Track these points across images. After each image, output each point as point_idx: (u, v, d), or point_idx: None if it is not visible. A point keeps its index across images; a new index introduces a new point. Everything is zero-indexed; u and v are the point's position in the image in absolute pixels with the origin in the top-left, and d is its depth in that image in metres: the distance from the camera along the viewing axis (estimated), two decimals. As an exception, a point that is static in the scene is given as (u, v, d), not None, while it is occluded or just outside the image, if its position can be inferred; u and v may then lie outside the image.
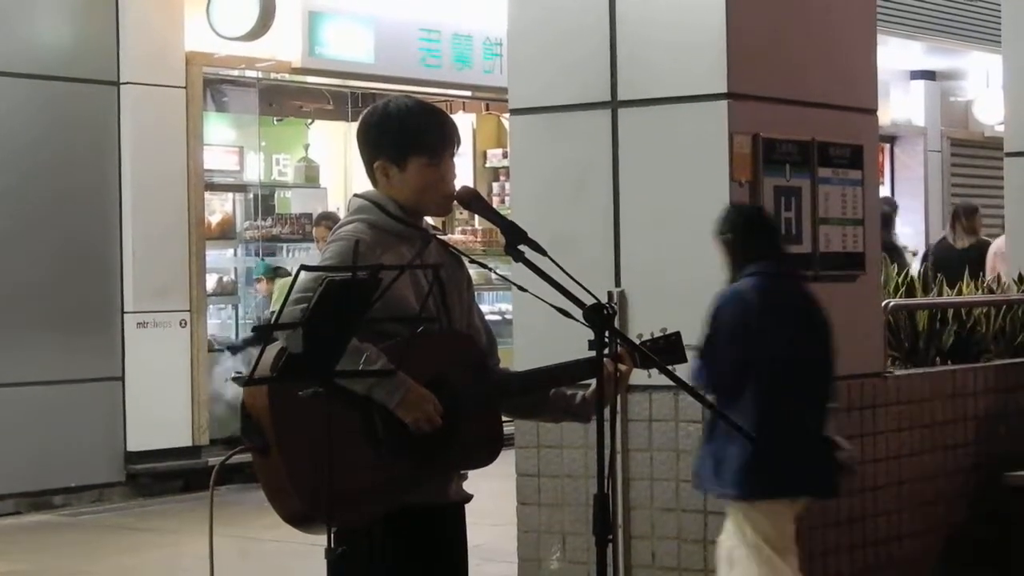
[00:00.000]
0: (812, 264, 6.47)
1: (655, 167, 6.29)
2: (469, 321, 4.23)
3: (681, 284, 6.15)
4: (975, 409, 7.61)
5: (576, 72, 6.48)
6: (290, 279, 4.00)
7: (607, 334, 3.93)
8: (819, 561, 6.51)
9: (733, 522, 5.61)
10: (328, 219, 12.75)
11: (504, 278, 4.62)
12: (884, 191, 17.89)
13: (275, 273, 13.25)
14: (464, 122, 15.13)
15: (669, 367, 4.13)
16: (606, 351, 3.96)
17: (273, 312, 11.88)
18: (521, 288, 4.08)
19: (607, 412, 3.99)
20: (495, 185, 15.90)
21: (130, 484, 11.41)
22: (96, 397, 11.27)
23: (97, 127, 11.38)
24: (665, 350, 4.22)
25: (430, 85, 13.53)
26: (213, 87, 13.00)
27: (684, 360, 4.27)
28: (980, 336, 8.07)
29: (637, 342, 4.18)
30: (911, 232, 18.46)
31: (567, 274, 4.10)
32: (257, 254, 13.83)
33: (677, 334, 4.26)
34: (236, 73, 12.95)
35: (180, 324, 11.67)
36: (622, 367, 4.10)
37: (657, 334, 4.25)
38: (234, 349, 12.13)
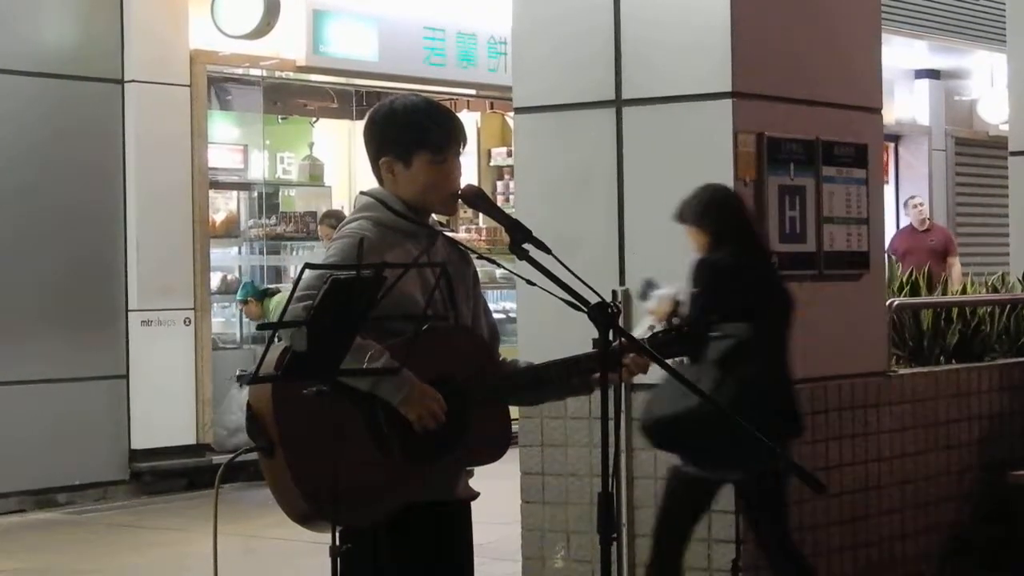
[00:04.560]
0: (816, 263, 6.48)
1: (660, 166, 6.29)
2: (476, 318, 4.24)
3: (686, 282, 6.14)
4: (979, 408, 7.61)
5: (581, 71, 6.48)
6: (283, 296, 4.00)
7: (612, 332, 3.94)
8: (822, 560, 6.51)
9: None
10: (332, 217, 12.76)
11: (512, 272, 4.63)
12: (888, 190, 17.89)
13: (264, 294, 13.14)
14: (468, 120, 15.12)
15: (681, 359, 4.14)
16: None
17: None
18: (529, 282, 4.08)
19: (611, 411, 3.99)
20: (499, 184, 15.90)
21: (134, 482, 11.42)
22: (100, 395, 11.28)
23: (101, 125, 11.38)
24: (677, 341, 4.22)
25: (434, 83, 13.54)
26: (217, 85, 13.01)
27: (696, 352, 4.27)
28: (984, 335, 8.07)
29: (648, 334, 4.19)
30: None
31: (572, 272, 4.11)
32: (261, 252, 13.83)
33: (689, 325, 4.26)
34: (240, 71, 12.95)
35: (184, 322, 11.68)
36: (628, 358, 4.11)
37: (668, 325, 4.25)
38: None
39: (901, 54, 17.04)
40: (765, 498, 5.81)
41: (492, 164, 16.09)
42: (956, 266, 14.66)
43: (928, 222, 15.58)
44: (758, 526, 5.89)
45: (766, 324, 5.62)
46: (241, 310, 13.22)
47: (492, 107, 15.72)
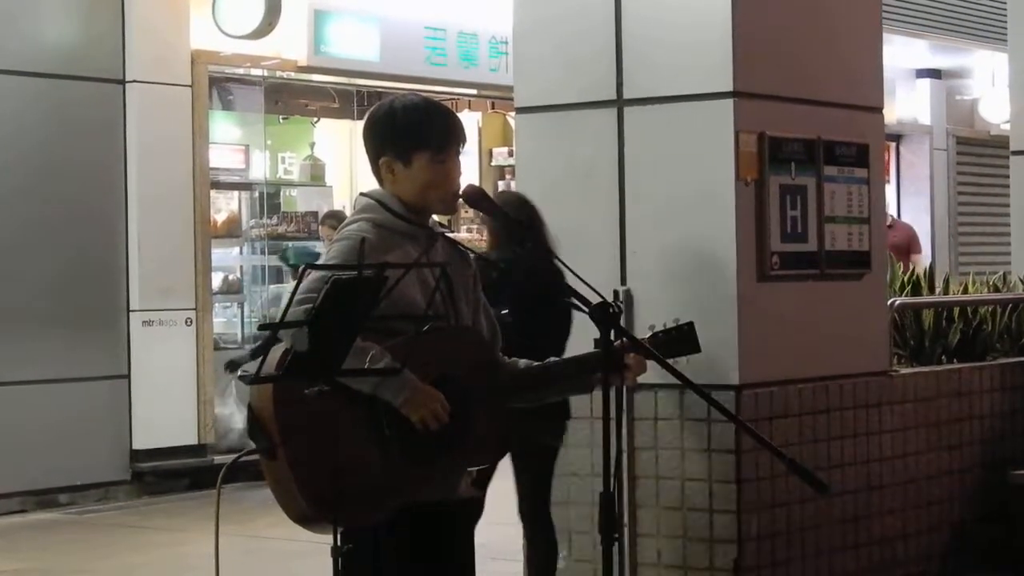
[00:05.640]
0: (818, 262, 6.47)
1: (661, 166, 6.29)
2: (476, 318, 4.24)
3: (687, 282, 6.15)
4: (981, 408, 7.61)
5: (582, 71, 6.47)
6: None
7: (613, 332, 3.95)
8: (824, 559, 6.51)
9: None
10: (333, 218, 12.76)
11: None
12: (890, 190, 17.89)
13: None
14: (470, 120, 15.13)
15: (682, 358, 4.15)
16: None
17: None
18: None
19: (613, 411, 3.99)
20: (501, 184, 15.91)
21: (136, 482, 11.42)
22: (102, 395, 11.28)
23: (103, 126, 11.38)
24: (677, 340, 4.23)
25: (436, 83, 13.54)
26: (219, 85, 13.01)
27: (698, 350, 4.27)
28: (986, 335, 8.07)
29: (649, 333, 4.19)
30: (918, 231, 18.46)
31: (573, 272, 4.11)
32: (263, 252, 13.83)
33: (690, 324, 4.26)
34: (242, 71, 12.95)
35: (186, 323, 11.68)
36: (629, 358, 4.11)
37: (670, 324, 4.26)
38: (234, 365, 12.00)
39: (902, 53, 17.04)
40: (543, 467, 6.35)
41: (493, 164, 16.11)
42: (919, 264, 14.59)
43: (891, 218, 15.55)
44: (529, 491, 6.39)
45: (527, 311, 5.82)
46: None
47: (493, 107, 15.72)
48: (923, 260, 14.81)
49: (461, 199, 4.21)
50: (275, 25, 11.99)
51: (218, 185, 13.01)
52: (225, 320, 13.46)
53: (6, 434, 10.74)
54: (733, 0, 6.12)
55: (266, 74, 13.14)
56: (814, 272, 6.47)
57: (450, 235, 4.33)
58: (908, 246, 15.01)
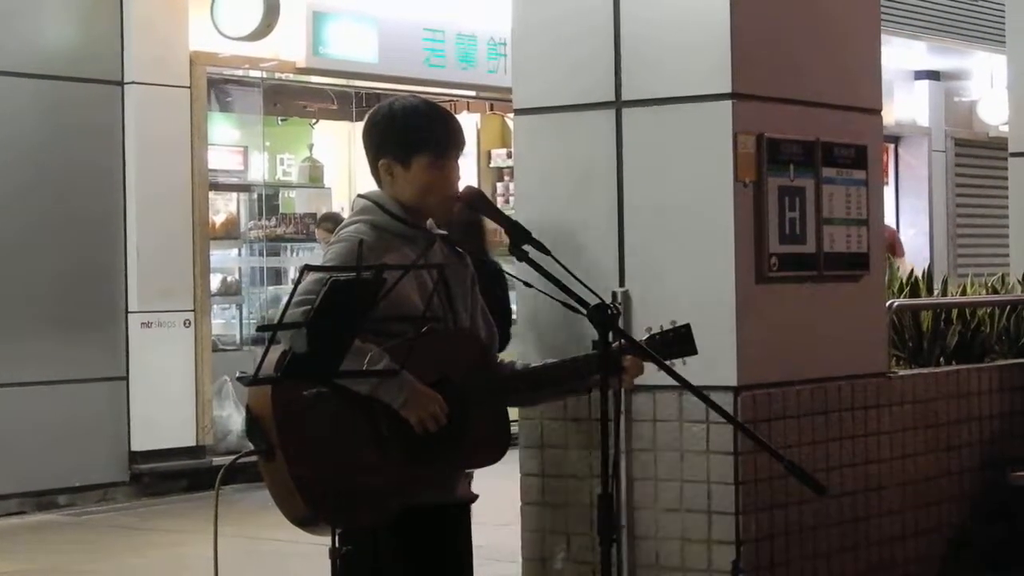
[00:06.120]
0: (816, 264, 6.47)
1: (659, 167, 6.28)
2: (474, 319, 4.24)
3: (685, 284, 6.14)
4: (980, 409, 7.61)
5: (580, 72, 6.47)
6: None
7: (611, 334, 3.95)
8: (822, 561, 6.51)
9: None
10: (330, 220, 12.77)
11: (511, 275, 4.64)
12: (888, 191, 17.89)
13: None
14: (468, 122, 15.13)
15: (680, 359, 4.15)
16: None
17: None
18: (527, 284, 4.09)
19: (611, 412, 3.99)
20: (499, 185, 15.91)
21: (134, 484, 11.43)
22: (100, 397, 11.28)
23: (101, 127, 11.39)
24: (674, 342, 4.23)
25: (434, 85, 13.54)
26: (217, 87, 13.01)
27: (694, 352, 4.27)
28: (984, 336, 8.07)
29: (646, 335, 4.19)
30: (915, 232, 18.49)
31: (571, 274, 4.12)
32: (261, 254, 13.84)
33: (687, 326, 4.26)
34: (240, 73, 12.96)
35: (184, 324, 11.68)
36: (627, 360, 4.12)
37: (667, 327, 4.26)
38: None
39: (901, 55, 17.05)
40: None
41: (492, 165, 16.10)
42: (904, 267, 14.55)
43: None
44: None
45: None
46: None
47: (492, 109, 15.73)
48: (906, 263, 14.79)
49: (460, 201, 4.21)
50: (273, 26, 11.99)
51: (217, 187, 13.02)
52: (223, 322, 13.47)
53: (5, 435, 10.74)
54: (732, 2, 6.11)
55: (264, 75, 13.15)
56: (812, 274, 6.47)
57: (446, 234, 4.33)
58: (892, 248, 14.99)
